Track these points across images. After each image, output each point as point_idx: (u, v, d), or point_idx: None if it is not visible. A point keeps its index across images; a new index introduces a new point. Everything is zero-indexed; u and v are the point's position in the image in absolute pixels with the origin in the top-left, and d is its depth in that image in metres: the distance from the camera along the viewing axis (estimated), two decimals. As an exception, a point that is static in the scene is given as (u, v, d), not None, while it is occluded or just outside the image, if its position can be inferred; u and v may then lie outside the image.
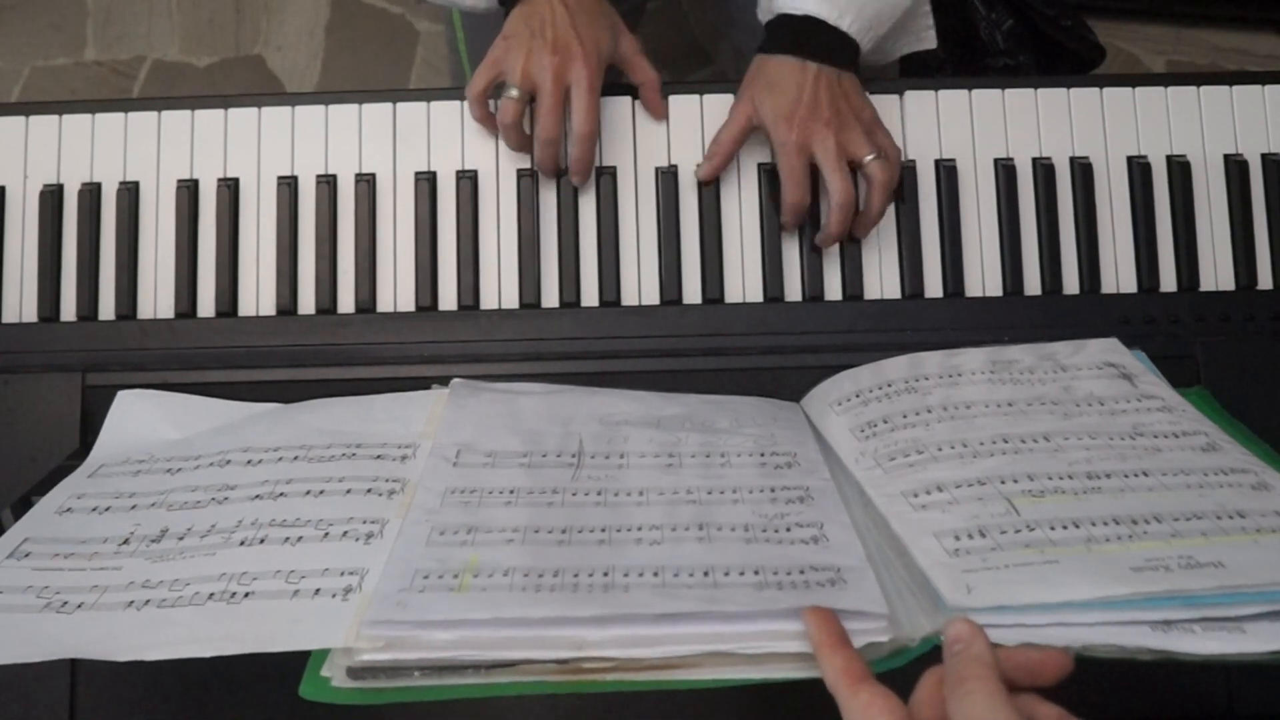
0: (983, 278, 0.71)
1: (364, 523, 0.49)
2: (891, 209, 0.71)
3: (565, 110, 0.67)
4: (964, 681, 0.35)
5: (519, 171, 0.71)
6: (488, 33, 0.71)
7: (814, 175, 0.69)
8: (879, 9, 0.68)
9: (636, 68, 0.71)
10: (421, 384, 0.64)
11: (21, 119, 0.72)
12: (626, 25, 0.72)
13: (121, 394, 0.64)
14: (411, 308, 0.70)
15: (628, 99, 0.73)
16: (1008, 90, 0.73)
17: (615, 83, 0.72)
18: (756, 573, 0.44)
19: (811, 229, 0.70)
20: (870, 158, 0.67)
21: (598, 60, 0.67)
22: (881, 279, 0.71)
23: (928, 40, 0.75)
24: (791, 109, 0.67)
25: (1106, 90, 0.73)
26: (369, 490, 0.52)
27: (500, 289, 0.70)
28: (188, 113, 0.72)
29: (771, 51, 0.69)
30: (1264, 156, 0.73)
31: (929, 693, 0.37)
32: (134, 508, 0.52)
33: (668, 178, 0.71)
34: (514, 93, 0.67)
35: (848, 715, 0.37)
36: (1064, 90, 0.73)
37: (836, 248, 0.71)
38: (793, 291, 0.70)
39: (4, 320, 0.70)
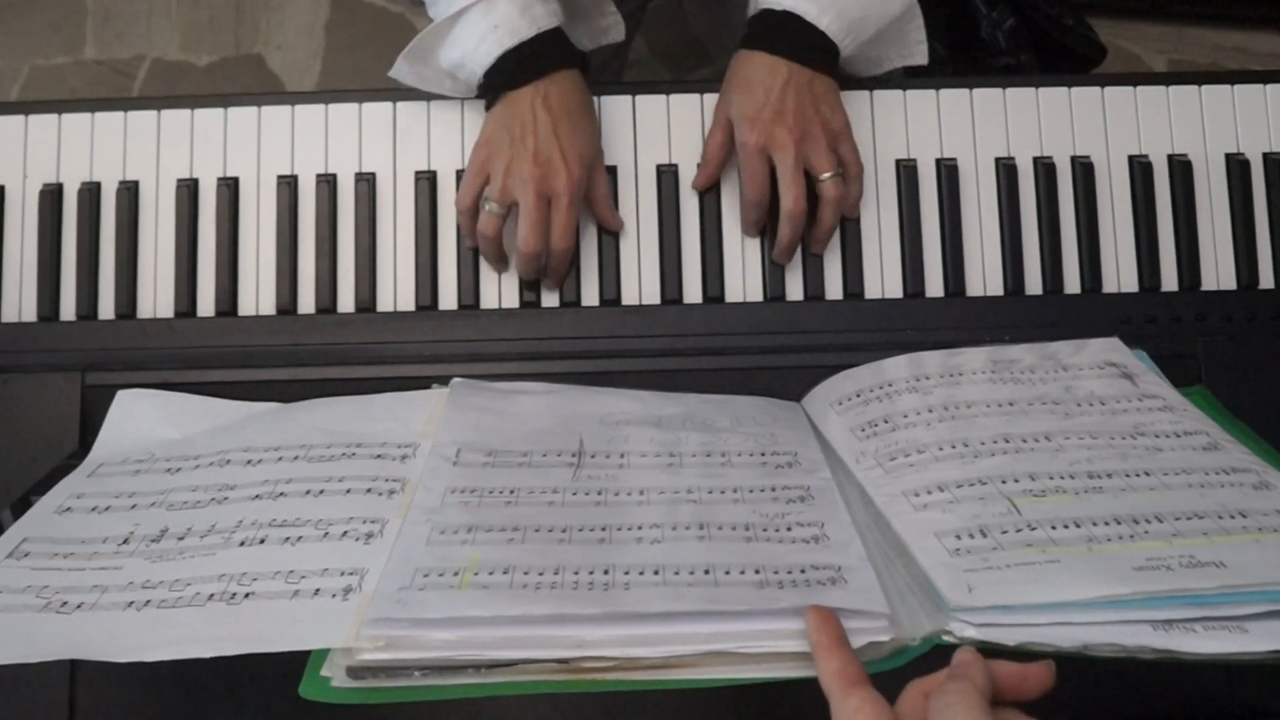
0: (984, 277, 0.71)
1: (364, 522, 0.49)
2: (894, 210, 0.71)
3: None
4: (946, 694, 0.36)
5: (519, 171, 0.71)
6: None
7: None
8: (863, 14, 0.67)
9: (603, 214, 0.69)
10: (421, 383, 0.64)
11: (21, 118, 0.72)
12: (627, 26, 0.72)
13: (121, 393, 0.64)
14: (411, 307, 0.70)
15: (628, 98, 0.72)
16: (1009, 89, 0.73)
17: (614, 82, 0.72)
18: (757, 571, 0.44)
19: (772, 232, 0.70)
20: (826, 176, 0.66)
21: (580, 171, 0.65)
22: (882, 278, 0.71)
23: (918, 55, 0.72)
24: (757, 110, 0.66)
25: (1108, 89, 0.73)
26: (369, 490, 0.52)
27: (500, 288, 0.70)
28: (187, 112, 0.72)
29: (748, 47, 0.68)
30: (1265, 155, 0.73)
31: (911, 703, 0.37)
32: (134, 507, 0.52)
33: (668, 177, 0.71)
34: (493, 207, 0.66)
35: (838, 717, 0.36)
36: (1065, 89, 0.73)
37: (837, 246, 0.70)
38: (793, 291, 0.70)
39: (4, 320, 0.70)
